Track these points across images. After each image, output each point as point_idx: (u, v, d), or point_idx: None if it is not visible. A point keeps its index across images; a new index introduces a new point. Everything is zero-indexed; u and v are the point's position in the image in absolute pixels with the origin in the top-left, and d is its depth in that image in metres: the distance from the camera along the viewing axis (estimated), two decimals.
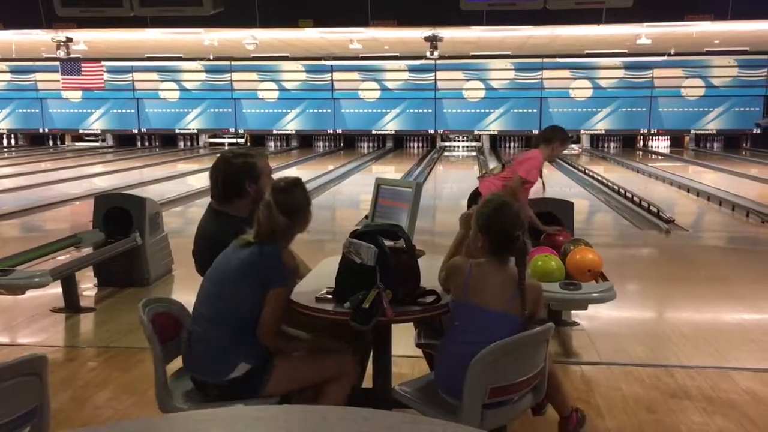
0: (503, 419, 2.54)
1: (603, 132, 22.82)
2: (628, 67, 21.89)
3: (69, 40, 16.07)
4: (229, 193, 3.10)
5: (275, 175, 3.13)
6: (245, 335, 2.59)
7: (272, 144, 24.26)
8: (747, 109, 21.91)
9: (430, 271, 2.75)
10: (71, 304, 5.16)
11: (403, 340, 4.34)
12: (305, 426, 1.65)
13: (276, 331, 2.63)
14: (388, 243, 2.62)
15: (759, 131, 21.46)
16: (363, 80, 23.14)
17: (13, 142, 24.94)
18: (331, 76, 23.11)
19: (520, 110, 22.54)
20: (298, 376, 2.69)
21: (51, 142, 24.87)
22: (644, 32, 15.15)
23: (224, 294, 2.63)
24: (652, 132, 22.61)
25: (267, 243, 2.64)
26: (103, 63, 21.47)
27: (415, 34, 15.17)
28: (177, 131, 24.16)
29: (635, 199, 10.66)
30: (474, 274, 2.53)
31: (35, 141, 24.77)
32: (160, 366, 2.60)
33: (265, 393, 2.60)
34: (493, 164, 17.12)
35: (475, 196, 5.27)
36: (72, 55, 16.18)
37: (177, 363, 2.75)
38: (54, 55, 15.45)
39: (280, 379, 2.62)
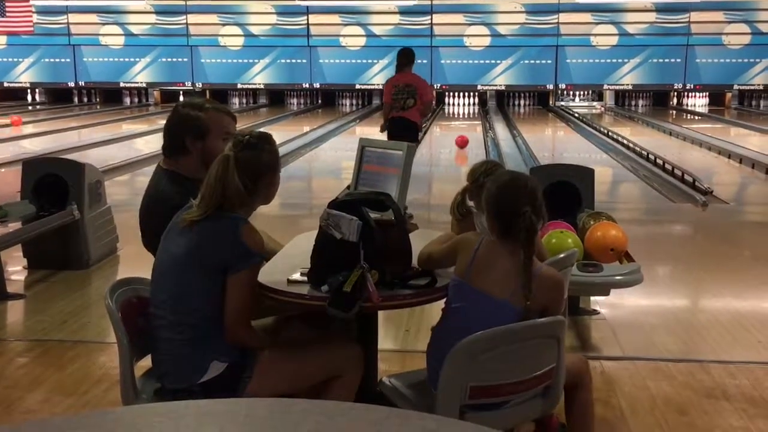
0: (493, 426, 2.47)
1: (630, 87, 22.83)
2: (660, 9, 21.85)
3: None
4: (171, 149, 3.11)
5: None
6: (213, 330, 2.53)
7: (236, 101, 24.12)
8: None
9: None
10: None
11: (392, 331, 4.39)
12: (264, 419, 1.62)
13: (244, 325, 2.56)
14: (374, 215, 2.61)
15: None
16: (345, 24, 22.97)
17: None
18: (307, 19, 22.93)
19: (532, 61, 22.48)
20: (290, 373, 2.60)
21: None
22: None
23: (176, 289, 2.55)
24: (687, 87, 22.63)
25: (216, 217, 2.54)
26: (31, 1, 21.16)
27: None
28: (122, 85, 23.94)
29: (667, 166, 10.70)
30: (482, 252, 2.55)
31: None
32: (126, 361, 2.55)
33: (245, 395, 2.51)
34: (500, 126, 17.13)
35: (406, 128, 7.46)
36: None
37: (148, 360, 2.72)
38: None
39: (264, 376, 2.55)
